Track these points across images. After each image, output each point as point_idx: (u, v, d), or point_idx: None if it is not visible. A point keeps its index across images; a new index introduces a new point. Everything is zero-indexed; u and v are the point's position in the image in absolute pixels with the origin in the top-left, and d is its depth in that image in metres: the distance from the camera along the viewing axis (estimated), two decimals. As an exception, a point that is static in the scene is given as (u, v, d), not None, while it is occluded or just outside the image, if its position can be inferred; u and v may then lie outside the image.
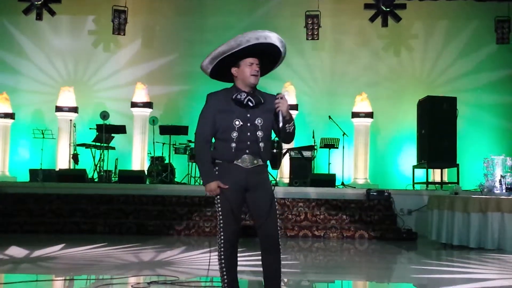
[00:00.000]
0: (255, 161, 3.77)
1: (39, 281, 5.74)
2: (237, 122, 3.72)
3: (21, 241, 8.35)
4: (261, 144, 3.77)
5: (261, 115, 3.76)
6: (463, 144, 12.65)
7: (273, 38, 3.73)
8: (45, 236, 9.20)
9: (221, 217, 3.78)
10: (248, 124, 3.74)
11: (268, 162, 3.90)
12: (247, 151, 3.74)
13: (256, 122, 3.75)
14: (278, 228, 3.82)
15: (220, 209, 3.79)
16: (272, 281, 3.86)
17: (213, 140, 3.88)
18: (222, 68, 3.83)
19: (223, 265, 3.80)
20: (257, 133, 3.75)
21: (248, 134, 3.73)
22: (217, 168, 3.79)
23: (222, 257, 3.80)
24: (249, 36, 3.67)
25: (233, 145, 3.73)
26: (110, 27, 14.00)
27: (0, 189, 10.63)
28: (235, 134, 3.72)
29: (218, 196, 3.78)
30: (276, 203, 3.86)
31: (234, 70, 3.81)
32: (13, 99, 13.88)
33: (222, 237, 3.78)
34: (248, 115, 3.74)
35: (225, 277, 3.82)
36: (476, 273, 6.52)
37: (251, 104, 3.73)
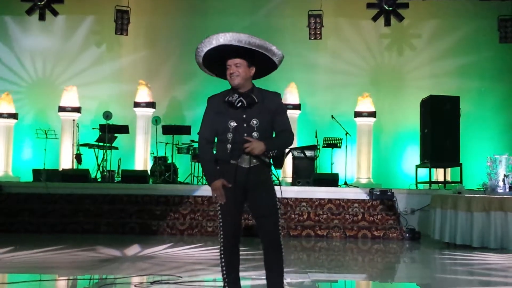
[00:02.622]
0: (254, 160, 3.75)
1: (42, 280, 5.75)
2: (232, 124, 3.73)
3: (18, 240, 8.37)
4: None
5: (258, 116, 3.75)
6: (466, 143, 12.63)
7: (221, 39, 3.69)
8: (46, 236, 9.21)
9: (220, 216, 3.82)
10: (244, 125, 3.74)
11: (271, 161, 3.88)
12: (244, 151, 3.70)
13: (252, 123, 3.74)
14: (280, 227, 3.83)
15: (219, 208, 3.82)
16: (274, 280, 3.86)
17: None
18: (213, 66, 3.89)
19: (223, 264, 3.83)
20: (253, 134, 3.73)
21: (245, 135, 3.72)
22: (218, 167, 3.81)
23: (222, 256, 3.83)
24: (200, 48, 3.78)
25: (229, 146, 3.75)
26: (112, 27, 14.02)
27: (3, 189, 10.65)
28: (230, 135, 3.74)
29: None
30: (278, 203, 3.86)
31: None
32: (16, 99, 13.90)
33: (222, 236, 3.81)
34: (244, 116, 3.74)
35: (225, 276, 3.84)
36: (479, 273, 6.51)
37: (243, 105, 3.72)
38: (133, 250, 7.72)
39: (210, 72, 4.01)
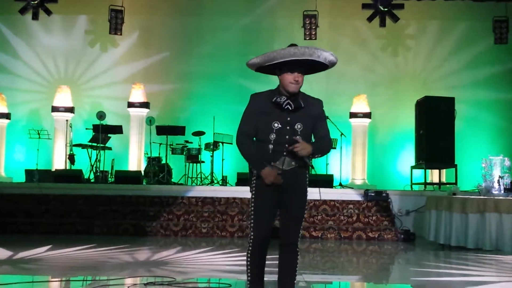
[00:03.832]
0: (293, 163, 3.79)
1: (35, 282, 5.69)
2: (276, 125, 3.76)
3: (12, 241, 8.31)
4: None
5: (301, 120, 3.79)
6: (461, 144, 12.62)
7: (318, 55, 3.72)
8: (39, 237, 9.14)
9: (253, 216, 3.83)
10: (287, 128, 3.77)
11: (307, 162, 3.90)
12: (285, 153, 3.76)
13: (296, 126, 3.78)
14: (300, 231, 3.90)
15: (253, 208, 3.84)
16: (286, 281, 3.91)
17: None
18: (269, 66, 3.81)
19: (249, 263, 3.86)
20: (296, 137, 3.74)
21: (287, 137, 3.75)
22: (255, 172, 3.82)
23: (249, 255, 3.84)
24: (284, 53, 3.68)
25: (271, 146, 3.77)
26: (106, 26, 13.95)
27: (-5, 190, 10.58)
28: (273, 136, 3.76)
29: (253, 199, 3.84)
30: (305, 207, 3.96)
31: (278, 74, 3.82)
32: (9, 99, 13.82)
33: (252, 236, 3.83)
34: (288, 119, 3.77)
35: (249, 275, 3.87)
36: (474, 274, 6.50)
37: (290, 108, 3.76)
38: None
39: (257, 69, 3.90)
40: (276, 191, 3.78)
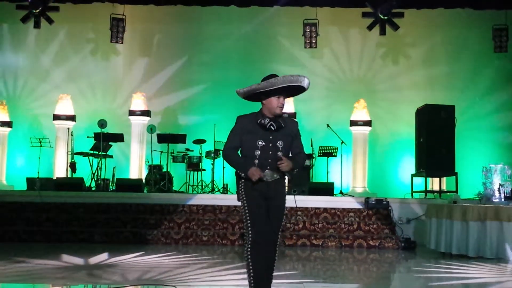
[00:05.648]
0: (275, 175, 4.36)
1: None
2: (260, 143, 4.32)
3: (22, 250, 8.32)
4: None
5: (282, 138, 4.37)
6: (462, 152, 12.63)
7: (304, 82, 4.31)
8: (42, 246, 9.15)
9: (249, 220, 4.32)
10: (270, 145, 4.34)
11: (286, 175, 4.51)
12: (268, 167, 4.32)
13: (278, 144, 4.35)
14: (279, 233, 4.44)
15: (248, 213, 4.33)
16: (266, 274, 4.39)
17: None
18: (257, 93, 4.38)
19: (250, 262, 4.30)
20: (278, 153, 4.33)
21: (270, 153, 4.33)
22: (242, 180, 4.36)
23: (249, 256, 4.29)
24: (284, 80, 4.28)
25: (256, 161, 4.32)
26: (108, 35, 13.99)
27: (-3, 198, 10.58)
28: (258, 153, 4.33)
29: (246, 203, 4.34)
30: (285, 209, 4.52)
31: (263, 99, 4.38)
32: (11, 107, 13.86)
33: (251, 238, 4.30)
34: (271, 137, 4.35)
35: (252, 274, 4.30)
36: (475, 282, 6.50)
37: (272, 128, 4.33)
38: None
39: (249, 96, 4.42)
40: (262, 196, 4.33)
